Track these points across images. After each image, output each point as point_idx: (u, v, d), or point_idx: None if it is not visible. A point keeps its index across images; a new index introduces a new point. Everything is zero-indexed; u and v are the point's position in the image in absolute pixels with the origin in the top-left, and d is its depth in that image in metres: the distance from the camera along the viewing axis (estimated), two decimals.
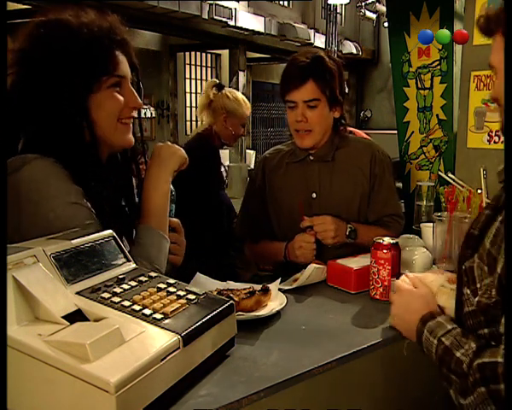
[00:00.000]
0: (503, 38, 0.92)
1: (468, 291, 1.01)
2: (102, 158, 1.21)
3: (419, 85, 2.39)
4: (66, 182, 1.10)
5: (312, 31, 12.10)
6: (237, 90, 3.62)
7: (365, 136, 2.40)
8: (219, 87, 2.79)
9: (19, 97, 1.13)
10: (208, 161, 2.65)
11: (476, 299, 0.96)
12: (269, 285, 1.33)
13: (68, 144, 1.13)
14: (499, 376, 0.84)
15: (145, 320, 0.89)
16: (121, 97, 1.17)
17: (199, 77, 12.41)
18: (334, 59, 1.80)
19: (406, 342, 1.12)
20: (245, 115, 2.80)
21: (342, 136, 1.90)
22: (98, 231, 1.06)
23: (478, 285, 0.98)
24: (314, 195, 1.83)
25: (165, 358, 0.83)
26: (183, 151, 1.30)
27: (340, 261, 1.57)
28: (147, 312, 0.91)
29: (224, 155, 7.28)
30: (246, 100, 2.85)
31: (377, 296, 1.43)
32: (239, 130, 2.81)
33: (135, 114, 1.22)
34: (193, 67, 12.34)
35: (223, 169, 2.93)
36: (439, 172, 2.32)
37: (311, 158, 1.85)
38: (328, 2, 10.70)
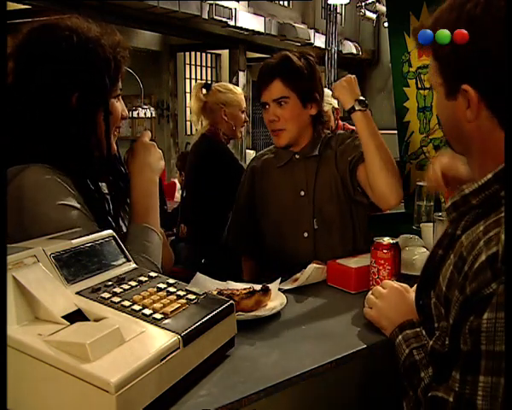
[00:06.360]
0: (435, 64, 0.91)
1: (423, 331, 0.99)
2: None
3: (419, 85, 2.39)
4: (57, 186, 1.14)
5: (312, 31, 12.10)
6: None
7: None
8: (207, 86, 2.79)
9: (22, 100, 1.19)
10: (221, 160, 2.65)
11: (430, 343, 0.93)
12: (269, 285, 1.33)
13: (70, 151, 1.19)
14: None
15: (145, 320, 0.89)
16: (120, 106, 1.28)
17: (199, 77, 12.41)
18: (307, 58, 1.81)
19: None
20: (242, 101, 2.79)
21: (331, 132, 1.90)
22: (98, 231, 1.06)
23: (436, 325, 0.94)
24: (302, 192, 1.83)
25: (165, 358, 0.83)
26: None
27: (340, 261, 1.57)
28: (147, 312, 0.91)
29: None
30: (236, 87, 2.88)
31: None
32: (240, 119, 2.79)
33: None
34: (193, 67, 12.34)
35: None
36: None
37: (297, 157, 1.85)
38: (328, 2, 10.70)
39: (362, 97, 1.69)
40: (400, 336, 1.03)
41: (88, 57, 1.18)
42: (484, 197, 0.85)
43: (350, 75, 1.75)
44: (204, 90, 2.77)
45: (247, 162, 2.14)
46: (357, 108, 1.66)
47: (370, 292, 1.25)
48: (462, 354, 0.80)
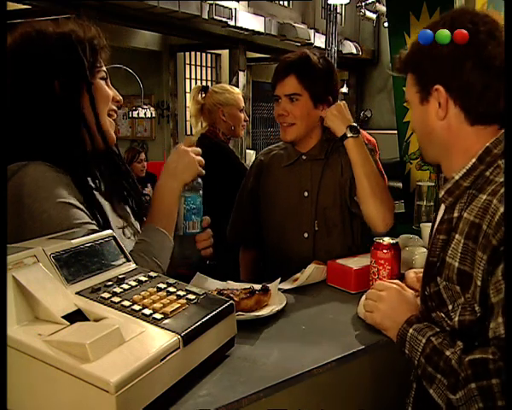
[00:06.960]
0: (412, 76, 1.08)
1: (442, 314, 1.01)
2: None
3: None
4: (57, 183, 1.14)
5: (312, 31, 12.09)
6: None
7: (369, 136, 2.38)
8: (205, 89, 2.80)
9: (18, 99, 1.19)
10: (221, 159, 2.65)
11: (456, 319, 0.96)
12: (269, 285, 1.33)
13: (62, 144, 1.19)
14: (490, 372, 0.85)
15: (145, 320, 0.89)
16: (109, 89, 1.28)
17: (199, 77, 12.39)
18: (327, 60, 1.81)
19: None
20: (239, 100, 2.79)
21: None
22: (98, 231, 1.06)
23: (450, 307, 0.99)
24: (306, 193, 1.83)
25: (165, 358, 0.83)
26: (199, 161, 1.31)
27: (340, 261, 1.57)
28: (147, 312, 0.91)
29: None
30: (233, 87, 2.88)
31: None
32: (239, 118, 2.78)
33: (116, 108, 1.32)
34: (193, 67, 12.32)
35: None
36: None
37: (304, 158, 1.85)
38: (328, 2, 10.69)
39: (353, 123, 1.70)
40: (411, 330, 1.04)
41: (62, 41, 1.20)
42: (474, 178, 1.00)
43: (340, 102, 1.76)
44: (201, 93, 2.78)
45: (247, 162, 2.14)
46: (349, 136, 1.67)
47: (364, 296, 1.24)
48: (498, 302, 0.87)
